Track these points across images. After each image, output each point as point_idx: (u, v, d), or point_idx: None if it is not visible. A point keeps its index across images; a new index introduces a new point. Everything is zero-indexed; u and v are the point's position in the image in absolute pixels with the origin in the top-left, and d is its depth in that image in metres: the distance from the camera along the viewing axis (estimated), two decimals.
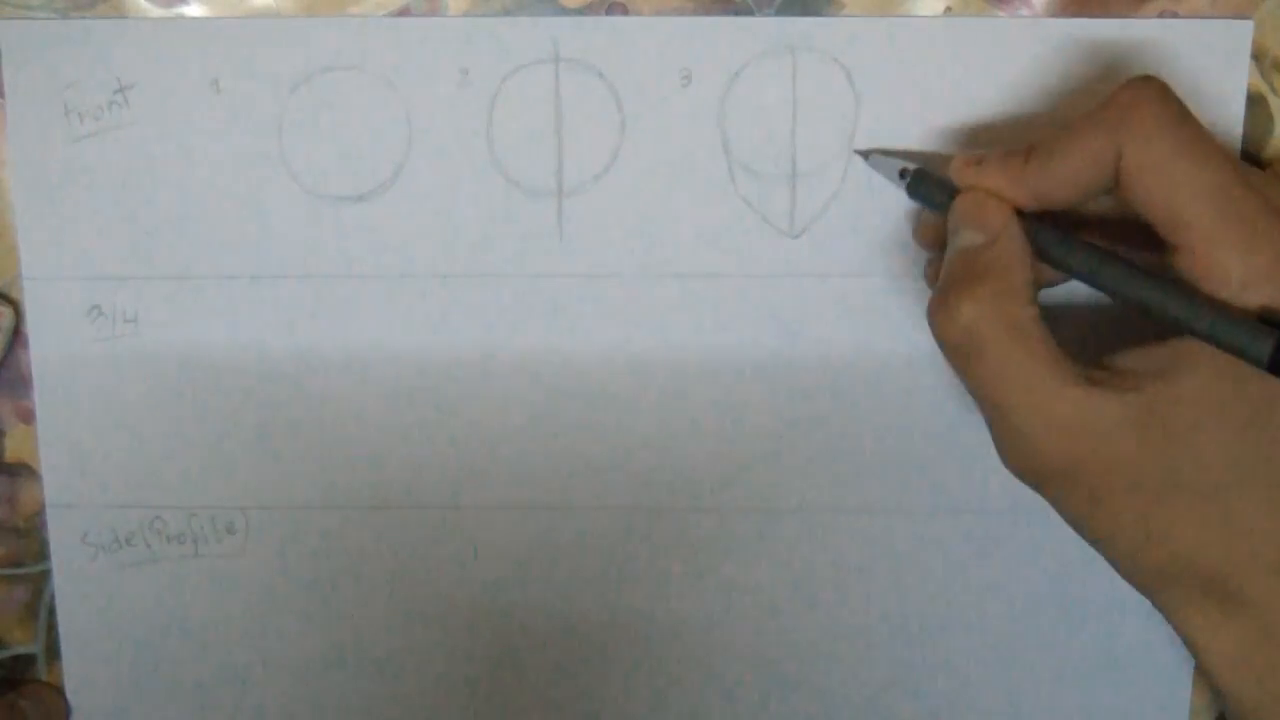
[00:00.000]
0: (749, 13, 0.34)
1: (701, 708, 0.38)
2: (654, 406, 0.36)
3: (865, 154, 0.34)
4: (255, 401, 0.36)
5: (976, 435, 0.36)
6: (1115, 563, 0.31)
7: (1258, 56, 0.34)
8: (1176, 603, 0.30)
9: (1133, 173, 0.28)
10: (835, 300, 0.36)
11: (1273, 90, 0.35)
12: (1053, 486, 0.30)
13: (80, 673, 0.38)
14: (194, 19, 0.35)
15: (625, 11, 0.34)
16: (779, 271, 0.35)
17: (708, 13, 0.34)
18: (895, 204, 0.35)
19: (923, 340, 0.35)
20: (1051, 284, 0.33)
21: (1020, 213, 0.30)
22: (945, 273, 0.31)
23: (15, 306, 0.36)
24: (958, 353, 0.30)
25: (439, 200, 0.35)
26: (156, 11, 0.35)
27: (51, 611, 0.38)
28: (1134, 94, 0.28)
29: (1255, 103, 0.35)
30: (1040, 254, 0.30)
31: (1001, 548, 0.37)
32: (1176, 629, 0.31)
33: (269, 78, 0.35)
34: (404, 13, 0.35)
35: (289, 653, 0.38)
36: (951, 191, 0.31)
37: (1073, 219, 0.32)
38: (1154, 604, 0.31)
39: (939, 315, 0.30)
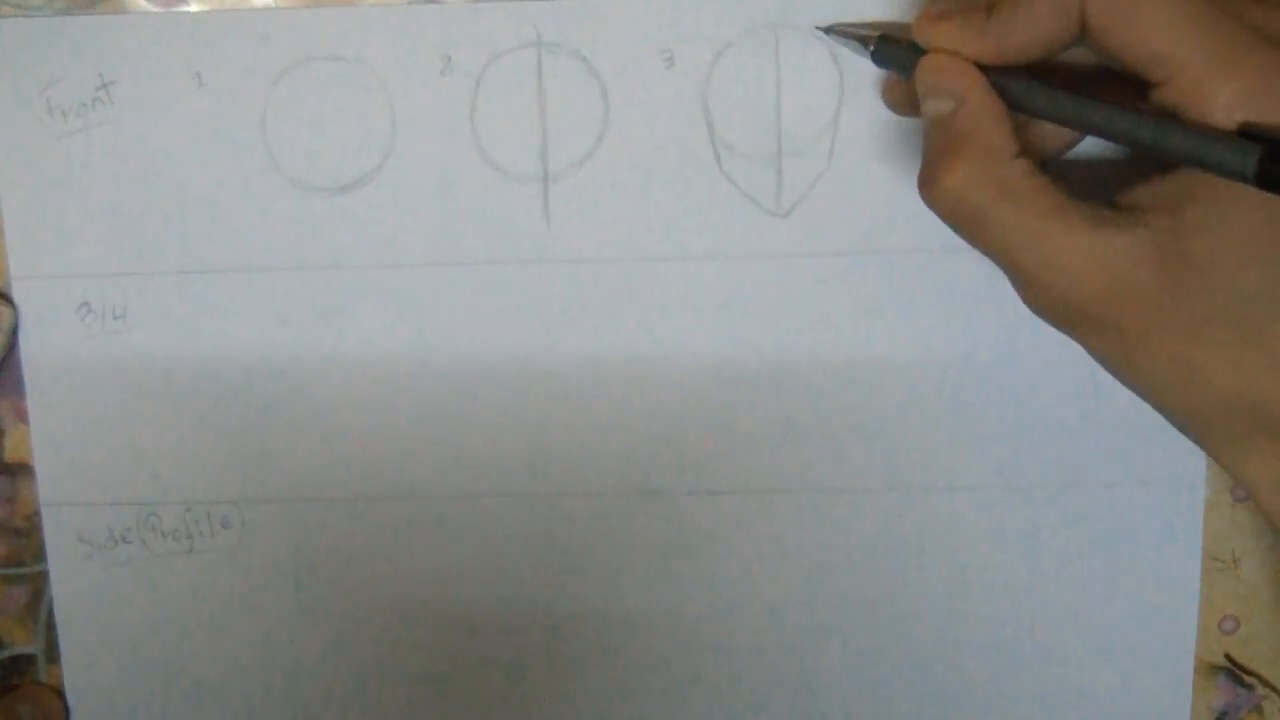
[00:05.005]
0: None
1: (700, 696, 0.38)
2: (645, 391, 0.36)
3: (828, 29, 0.34)
4: (247, 395, 0.36)
5: (970, 412, 0.36)
6: (1160, 407, 0.30)
7: None
8: (1228, 445, 0.30)
9: (1101, 16, 0.28)
10: (824, 279, 0.35)
11: None
12: (1081, 331, 0.30)
13: (79, 672, 0.38)
14: (174, 13, 0.35)
15: None
16: (767, 252, 0.35)
17: None
18: (884, 180, 0.35)
19: (914, 316, 0.35)
20: (1058, 152, 0.32)
21: (990, 68, 0.30)
22: (925, 144, 0.30)
23: (15, 306, 0.36)
24: (954, 223, 0.30)
25: (425, 188, 0.35)
26: (156, 10, 0.35)
27: (51, 612, 0.38)
28: None
29: None
30: (1016, 105, 0.30)
31: (1001, 526, 0.37)
32: (1228, 469, 0.30)
33: (251, 70, 0.35)
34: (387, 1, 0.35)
35: (287, 647, 0.38)
36: (918, 54, 0.31)
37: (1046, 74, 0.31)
38: (1202, 447, 0.30)
39: (926, 191, 0.30)
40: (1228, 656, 0.37)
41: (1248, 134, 0.27)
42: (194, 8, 0.35)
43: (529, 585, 0.38)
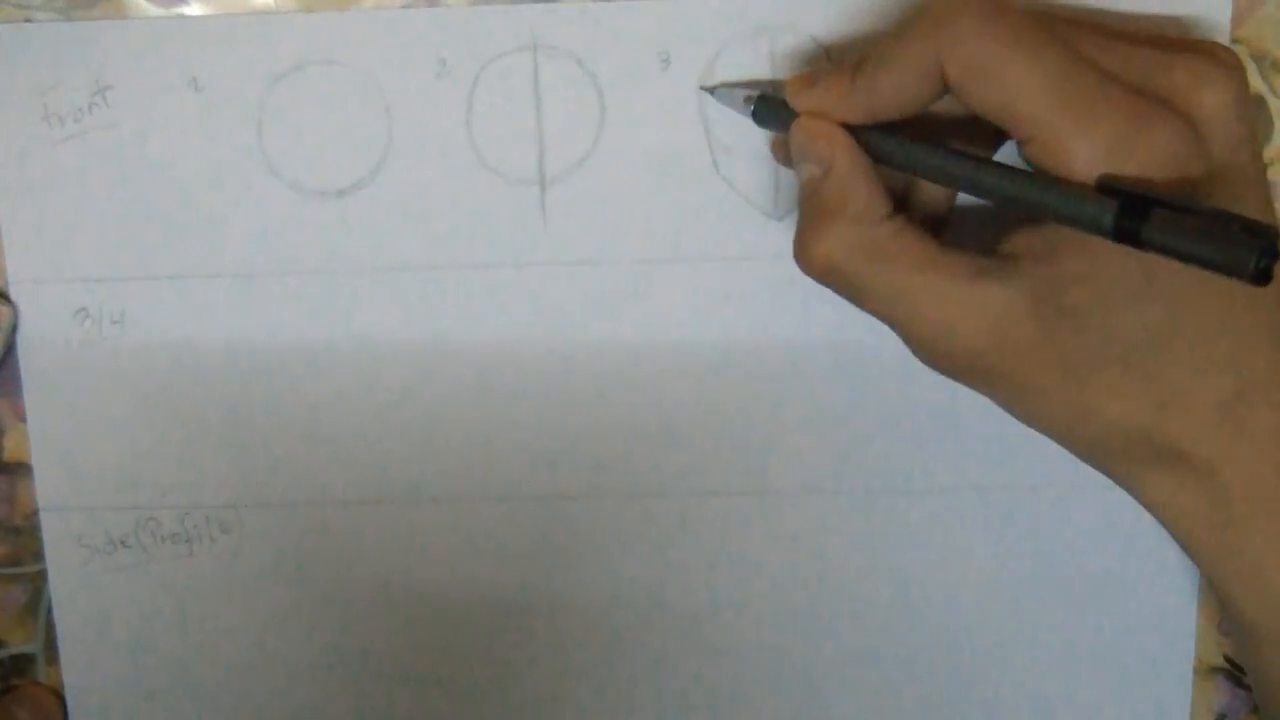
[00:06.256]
0: None
1: (700, 696, 0.38)
2: (643, 392, 0.36)
3: (711, 90, 0.34)
4: (245, 399, 0.37)
5: (970, 412, 0.36)
6: (1062, 444, 0.31)
7: (1257, 58, 0.34)
8: (1128, 473, 0.30)
9: (958, 78, 0.28)
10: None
11: (1272, 91, 0.34)
12: (971, 380, 0.31)
13: (78, 674, 0.38)
14: (170, 18, 0.35)
15: None
16: (764, 253, 0.35)
17: None
18: None
19: None
20: (948, 201, 0.32)
21: (861, 126, 0.30)
22: (800, 209, 0.31)
23: (14, 305, 0.36)
24: (830, 287, 0.31)
25: (421, 192, 0.35)
26: (155, 11, 0.35)
27: (50, 611, 0.38)
28: (947, 1, 0.28)
29: (1255, 104, 0.34)
30: (886, 162, 0.30)
31: (1001, 526, 0.37)
32: (1133, 495, 0.31)
33: (247, 74, 0.35)
34: (384, 4, 0.35)
35: (286, 650, 0.38)
36: (793, 115, 0.31)
37: (934, 121, 0.32)
38: (1109, 478, 0.31)
39: (800, 258, 0.31)
40: (1227, 657, 0.37)
41: (1106, 188, 0.27)
42: (192, 11, 0.35)
43: (529, 586, 0.38)
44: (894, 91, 0.29)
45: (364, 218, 0.35)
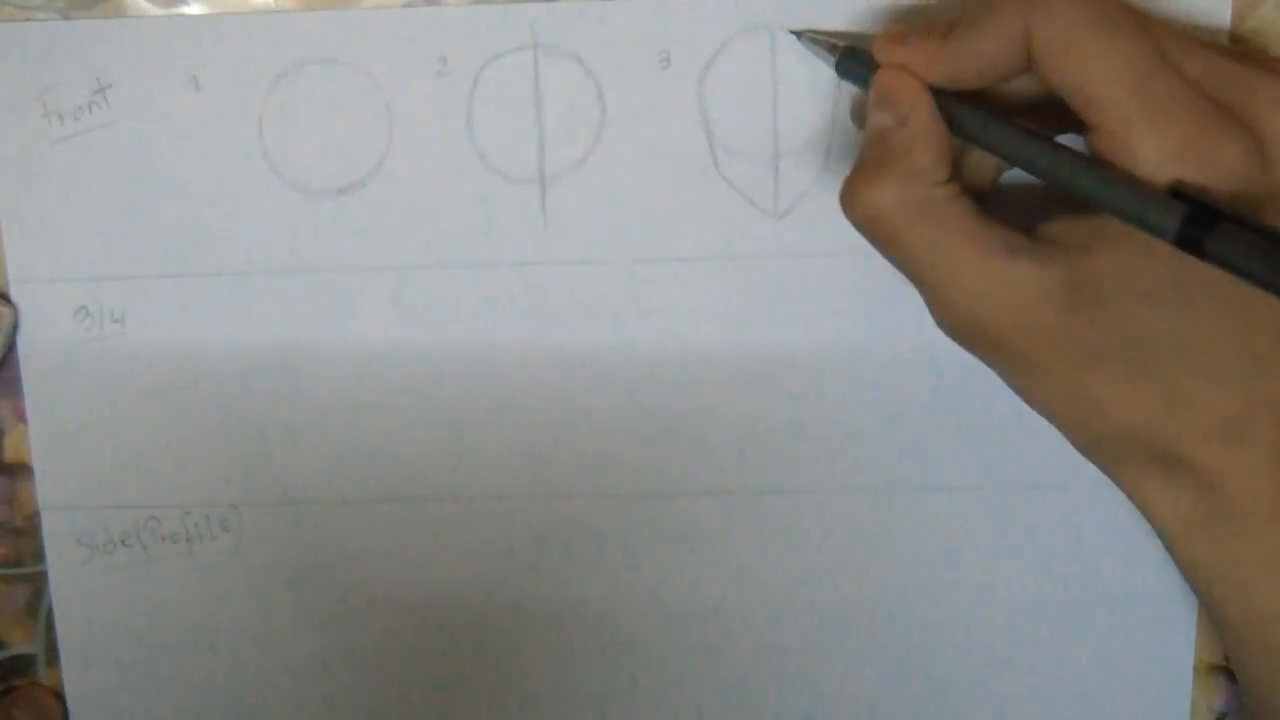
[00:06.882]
0: None
1: (700, 696, 0.38)
2: (643, 391, 0.36)
3: (799, 34, 0.34)
4: (246, 398, 0.36)
5: (969, 412, 0.36)
6: (1061, 430, 0.31)
7: None
8: (1125, 471, 0.31)
9: (1043, 52, 0.28)
10: (822, 279, 0.35)
11: None
12: (985, 353, 0.31)
13: (79, 674, 0.38)
14: (170, 16, 0.35)
15: None
16: (764, 252, 0.35)
17: None
18: None
19: (912, 316, 0.35)
20: (995, 176, 0.33)
21: (942, 91, 0.30)
22: (859, 154, 0.31)
23: (15, 306, 0.36)
24: (869, 235, 0.31)
25: (422, 190, 0.35)
26: (155, 10, 0.35)
27: (50, 612, 0.38)
28: None
29: None
30: (958, 131, 0.30)
31: (1001, 526, 0.37)
32: (1125, 492, 0.31)
33: (248, 73, 0.35)
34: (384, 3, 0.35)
35: (286, 649, 0.38)
36: (876, 69, 0.31)
37: (1004, 99, 0.32)
38: (1101, 469, 0.31)
39: (847, 201, 0.31)
40: (1228, 657, 0.37)
41: (1173, 192, 0.27)
42: (191, 10, 0.35)
43: (529, 586, 0.38)
44: (980, 57, 0.29)
45: (364, 217, 0.35)
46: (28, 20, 0.35)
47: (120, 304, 0.36)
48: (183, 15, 0.35)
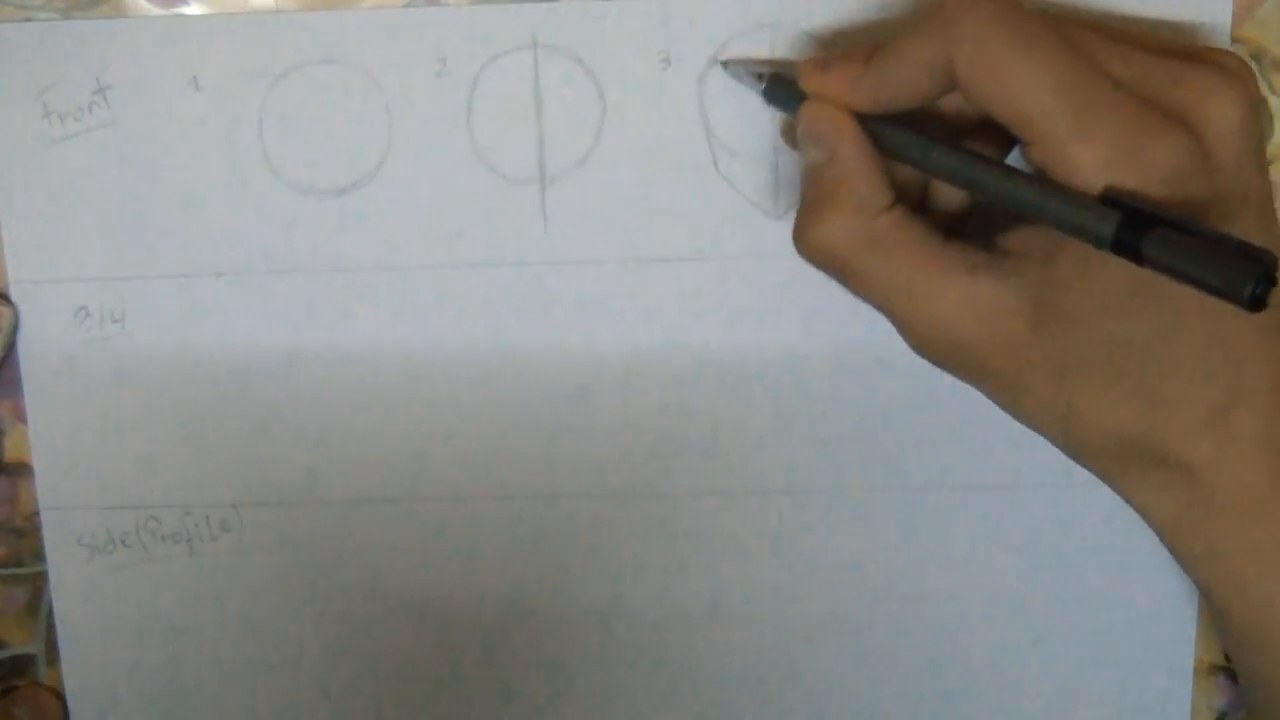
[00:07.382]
0: None
1: (700, 696, 0.38)
2: (643, 391, 0.36)
3: (725, 64, 0.34)
4: (245, 398, 0.36)
5: (970, 412, 0.36)
6: (1050, 441, 0.31)
7: (1256, 57, 0.34)
8: (1115, 473, 0.31)
9: (966, 76, 0.28)
10: (822, 279, 0.35)
11: (1272, 90, 0.34)
12: (963, 374, 0.31)
13: (79, 675, 0.38)
14: (170, 17, 0.35)
15: None
16: (764, 252, 0.35)
17: None
18: None
19: None
20: (960, 197, 0.32)
21: (869, 116, 0.30)
22: (801, 193, 0.31)
23: (15, 306, 0.36)
24: (825, 271, 0.31)
25: (421, 191, 0.35)
26: (155, 11, 0.35)
27: (50, 612, 0.38)
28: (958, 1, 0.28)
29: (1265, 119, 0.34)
30: (891, 154, 0.30)
31: (1001, 526, 0.37)
32: (1118, 494, 0.31)
33: (248, 73, 0.35)
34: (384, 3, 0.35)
35: (287, 650, 0.38)
36: (803, 98, 0.31)
37: (948, 117, 0.31)
38: (1093, 473, 0.31)
39: (797, 242, 0.31)
40: (1228, 656, 0.37)
41: (1109, 199, 0.27)
42: (191, 10, 0.35)
43: (529, 586, 0.38)
44: (903, 83, 0.29)
45: (364, 217, 0.35)
46: (28, 20, 0.35)
47: (120, 304, 0.36)
48: (183, 15, 0.35)
